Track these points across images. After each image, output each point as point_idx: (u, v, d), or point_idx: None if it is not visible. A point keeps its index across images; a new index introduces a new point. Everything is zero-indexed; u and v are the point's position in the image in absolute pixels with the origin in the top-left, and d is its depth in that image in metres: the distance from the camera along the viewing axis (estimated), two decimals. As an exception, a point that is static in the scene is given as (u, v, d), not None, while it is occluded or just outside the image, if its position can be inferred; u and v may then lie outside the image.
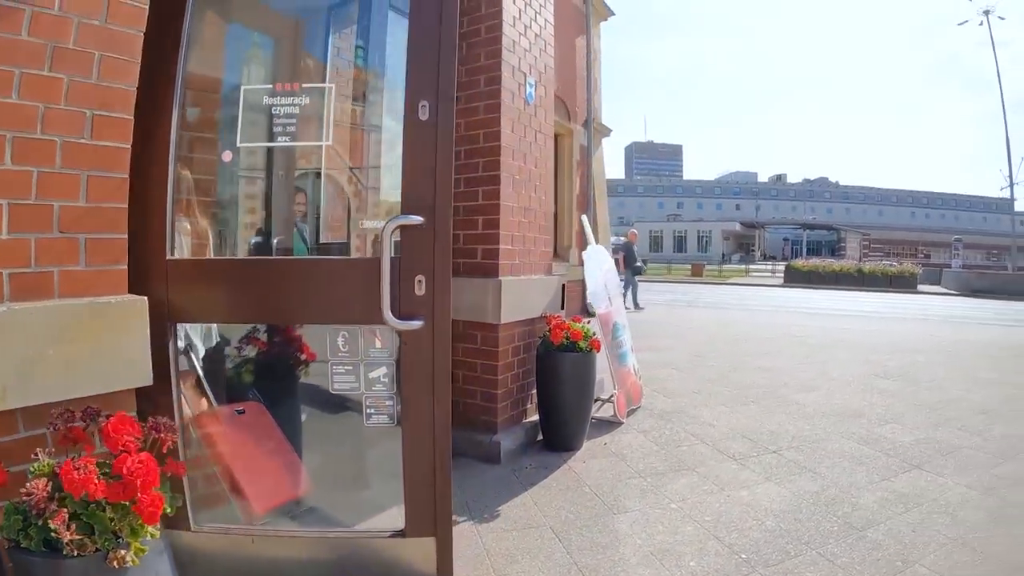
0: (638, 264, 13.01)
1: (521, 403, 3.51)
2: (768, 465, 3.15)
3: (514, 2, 3.33)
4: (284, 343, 2.29)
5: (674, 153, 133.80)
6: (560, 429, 3.39)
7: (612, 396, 3.98)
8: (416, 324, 1.74)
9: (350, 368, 1.88)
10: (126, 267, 1.55)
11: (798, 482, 2.91)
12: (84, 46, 1.43)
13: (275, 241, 2.36)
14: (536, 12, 3.56)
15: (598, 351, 3.44)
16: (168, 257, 1.79)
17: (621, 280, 7.38)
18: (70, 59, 1.41)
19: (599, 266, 4.11)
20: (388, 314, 1.71)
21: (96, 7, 1.45)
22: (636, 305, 12.15)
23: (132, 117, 1.54)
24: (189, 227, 2.04)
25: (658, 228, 60.54)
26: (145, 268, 1.70)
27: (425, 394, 1.78)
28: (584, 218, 4.76)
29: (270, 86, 1.94)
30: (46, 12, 1.37)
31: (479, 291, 3.18)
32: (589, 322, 3.60)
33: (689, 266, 32.39)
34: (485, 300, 3.17)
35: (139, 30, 1.54)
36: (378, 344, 1.89)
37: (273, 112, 1.86)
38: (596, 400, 3.76)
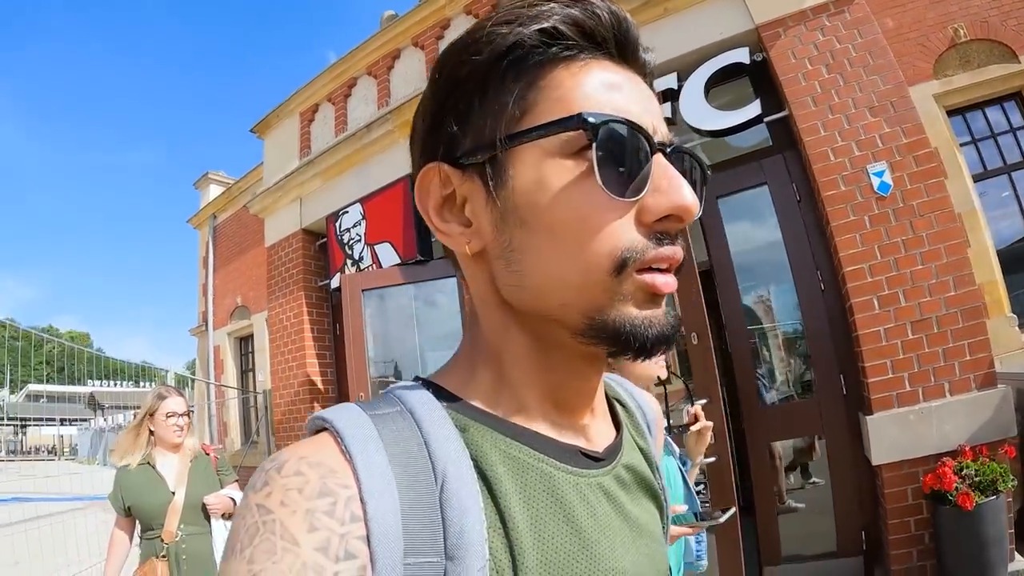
0: None
1: (925, 556, 2.77)
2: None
3: (804, 79, 3.18)
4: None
5: None
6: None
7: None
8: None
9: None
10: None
11: None
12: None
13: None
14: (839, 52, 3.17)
15: (966, 508, 2.47)
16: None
17: None
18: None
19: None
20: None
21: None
22: None
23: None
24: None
25: None
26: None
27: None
28: None
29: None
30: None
31: (865, 427, 2.90)
32: None
33: None
34: (867, 438, 2.87)
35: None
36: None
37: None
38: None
